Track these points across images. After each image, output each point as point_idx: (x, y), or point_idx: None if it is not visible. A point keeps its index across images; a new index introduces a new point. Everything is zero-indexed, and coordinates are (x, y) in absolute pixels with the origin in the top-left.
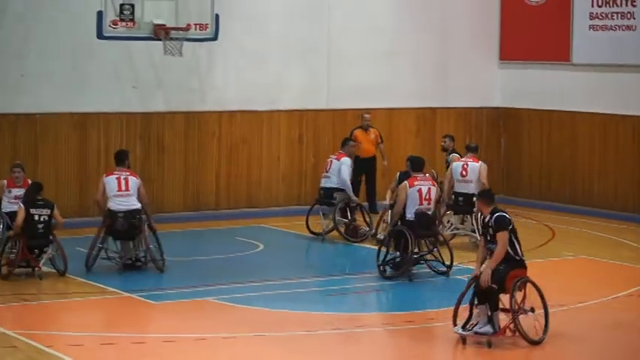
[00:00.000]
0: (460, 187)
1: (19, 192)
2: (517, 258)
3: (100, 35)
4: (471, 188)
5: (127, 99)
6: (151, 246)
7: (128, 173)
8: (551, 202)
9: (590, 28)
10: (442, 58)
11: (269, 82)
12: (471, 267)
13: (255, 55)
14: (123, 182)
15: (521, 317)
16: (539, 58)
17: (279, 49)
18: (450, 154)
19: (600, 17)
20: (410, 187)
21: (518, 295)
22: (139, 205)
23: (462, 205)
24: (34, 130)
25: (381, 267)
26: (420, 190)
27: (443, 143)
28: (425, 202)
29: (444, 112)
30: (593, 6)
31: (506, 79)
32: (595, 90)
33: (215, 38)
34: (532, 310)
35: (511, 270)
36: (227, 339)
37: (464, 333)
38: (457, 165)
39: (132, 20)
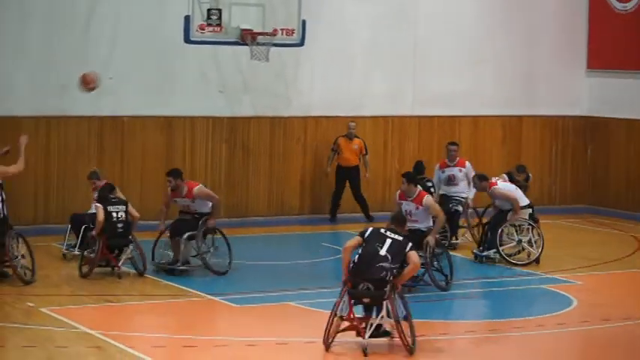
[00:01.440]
0: None
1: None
2: None
3: (188, 39)
4: None
5: (213, 103)
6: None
7: None
8: (638, 212)
9: None
10: (529, 66)
11: (355, 88)
12: (557, 277)
13: (341, 61)
14: None
15: None
16: (627, 66)
17: (366, 55)
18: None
19: None
20: None
21: None
22: None
23: None
24: (121, 133)
25: None
26: None
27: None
28: None
29: (529, 120)
30: None
31: (594, 88)
32: None
33: (302, 44)
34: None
35: None
36: (309, 344)
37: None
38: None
39: (219, 25)
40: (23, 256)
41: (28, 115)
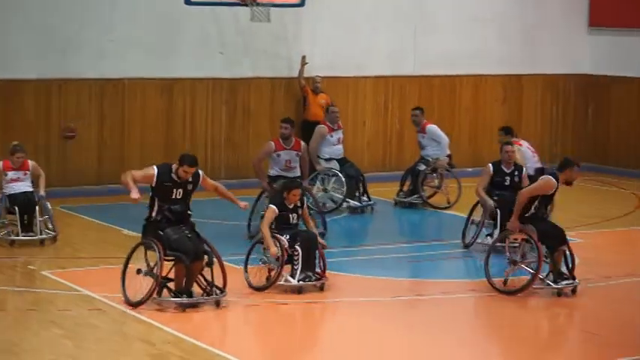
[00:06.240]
0: None
1: (16, 175)
2: None
3: (188, 1)
4: None
5: (213, 65)
6: None
7: None
8: (639, 170)
9: None
10: (530, 24)
11: (355, 49)
12: None
13: (343, 21)
14: None
15: None
16: (628, 24)
17: (367, 15)
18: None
19: None
20: None
21: None
22: None
23: None
24: (122, 96)
25: None
26: None
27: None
28: None
29: (530, 80)
30: None
31: (596, 46)
32: None
33: (302, 4)
34: None
35: None
36: (313, 304)
37: None
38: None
39: None
40: None
41: (28, 78)
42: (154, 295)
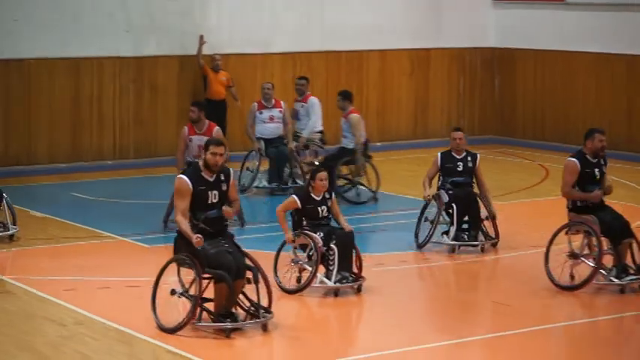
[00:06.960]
0: None
1: None
2: None
3: None
4: None
5: (120, 43)
6: None
7: None
8: (546, 141)
9: None
10: None
11: (263, 25)
12: None
13: None
14: None
15: None
16: None
17: None
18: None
19: None
20: None
21: None
22: None
23: None
24: (28, 75)
25: None
26: None
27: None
28: None
29: (437, 53)
30: None
31: (501, 19)
32: (589, 29)
33: None
34: None
35: None
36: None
37: None
38: None
39: None
40: None
41: None
42: (193, 320)
